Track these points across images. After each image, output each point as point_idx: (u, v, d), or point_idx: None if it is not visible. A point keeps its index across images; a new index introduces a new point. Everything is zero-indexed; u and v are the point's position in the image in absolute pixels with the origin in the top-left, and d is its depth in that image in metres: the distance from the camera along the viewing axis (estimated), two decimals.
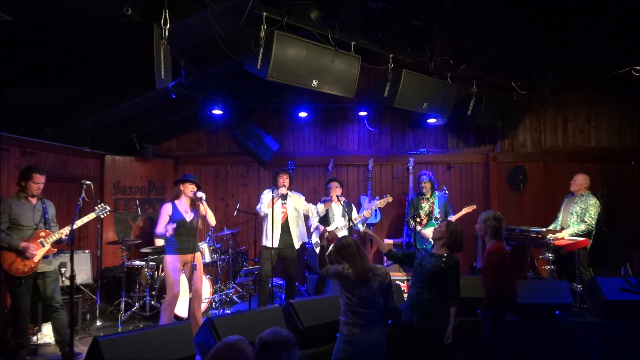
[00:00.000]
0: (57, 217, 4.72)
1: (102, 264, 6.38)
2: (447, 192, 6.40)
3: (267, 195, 5.73)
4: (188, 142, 7.74)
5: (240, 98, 7.00)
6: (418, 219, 6.16)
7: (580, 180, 5.94)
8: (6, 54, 3.23)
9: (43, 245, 4.29)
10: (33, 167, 4.42)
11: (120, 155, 6.96)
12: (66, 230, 4.41)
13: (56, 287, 4.45)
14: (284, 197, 5.66)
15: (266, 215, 5.60)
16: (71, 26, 3.31)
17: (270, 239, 5.54)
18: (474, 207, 6.30)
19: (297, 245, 5.72)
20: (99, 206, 4.68)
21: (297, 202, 5.82)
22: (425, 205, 6.21)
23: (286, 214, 5.69)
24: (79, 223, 4.43)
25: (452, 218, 6.06)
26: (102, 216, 4.70)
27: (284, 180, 5.64)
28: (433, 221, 6.15)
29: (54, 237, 4.36)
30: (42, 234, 4.33)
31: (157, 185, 7.27)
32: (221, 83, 6.28)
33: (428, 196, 6.24)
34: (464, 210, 6.24)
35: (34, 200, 4.39)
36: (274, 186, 5.66)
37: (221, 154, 7.71)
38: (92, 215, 4.59)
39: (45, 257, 4.33)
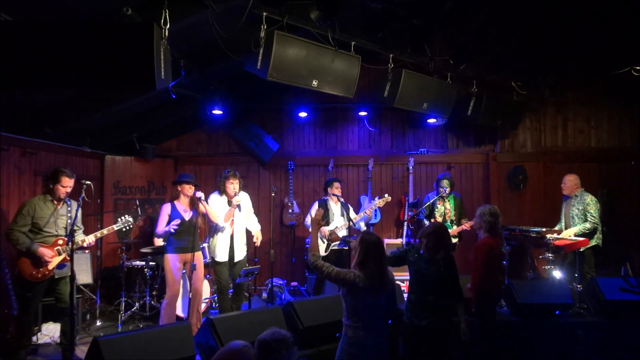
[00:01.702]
0: None
1: (102, 264, 6.38)
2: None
3: (215, 200, 5.19)
4: (188, 142, 7.73)
5: (240, 98, 6.99)
6: (432, 220, 6.14)
7: (569, 182, 5.93)
8: (6, 54, 3.23)
9: (59, 254, 4.24)
10: (62, 169, 4.31)
11: (120, 155, 6.95)
12: (89, 239, 4.38)
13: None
14: (228, 202, 5.12)
15: (218, 227, 5.13)
16: (71, 26, 3.31)
17: (221, 252, 5.15)
18: None
19: (239, 258, 5.24)
20: (122, 218, 4.64)
21: (245, 207, 5.30)
22: (441, 207, 6.16)
23: (233, 222, 5.19)
24: (98, 235, 4.43)
25: (467, 224, 6.01)
26: (124, 229, 4.69)
27: (235, 186, 5.11)
28: (448, 223, 6.12)
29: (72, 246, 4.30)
30: (60, 241, 4.27)
31: (157, 185, 7.27)
32: (221, 83, 6.28)
33: (445, 197, 6.14)
34: None
35: (59, 204, 4.32)
36: (220, 191, 5.20)
37: (221, 154, 7.70)
38: (113, 228, 4.57)
39: (61, 266, 4.27)
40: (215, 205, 5.16)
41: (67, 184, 4.26)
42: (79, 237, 4.45)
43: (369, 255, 3.08)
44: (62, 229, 4.32)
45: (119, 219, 4.65)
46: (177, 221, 4.83)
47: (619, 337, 4.71)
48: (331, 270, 3.10)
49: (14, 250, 4.33)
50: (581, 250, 5.68)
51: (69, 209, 4.36)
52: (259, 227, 5.45)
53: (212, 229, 5.24)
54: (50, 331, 4.94)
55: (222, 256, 5.16)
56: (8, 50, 3.23)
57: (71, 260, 4.00)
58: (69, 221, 4.34)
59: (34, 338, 4.80)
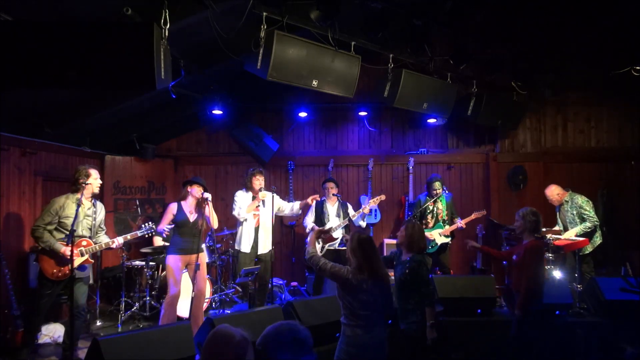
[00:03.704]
0: None
1: (102, 264, 6.38)
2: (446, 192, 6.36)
3: (242, 197, 5.52)
4: (188, 142, 7.74)
5: (240, 98, 7.00)
6: (424, 221, 6.12)
7: (552, 196, 5.93)
8: (6, 54, 3.23)
9: (82, 255, 4.23)
10: (84, 166, 4.35)
11: (120, 155, 6.96)
12: (118, 240, 4.41)
13: (84, 291, 4.40)
14: (263, 203, 5.43)
15: (244, 219, 5.48)
16: (71, 26, 3.30)
17: (246, 244, 5.45)
18: (484, 212, 6.17)
19: (263, 250, 5.52)
20: (146, 225, 4.66)
21: (269, 203, 5.48)
22: (433, 208, 6.12)
23: (259, 216, 5.50)
24: (120, 240, 4.43)
25: (462, 222, 6.02)
26: (146, 236, 4.71)
27: (261, 182, 5.44)
28: (440, 223, 6.10)
29: (95, 248, 4.31)
30: (84, 242, 4.27)
31: (157, 185, 7.27)
32: (221, 83, 6.27)
33: (437, 198, 6.09)
34: (474, 215, 6.10)
35: (87, 204, 4.30)
36: (247, 188, 5.50)
37: (221, 154, 7.71)
38: (137, 233, 4.59)
39: (81, 268, 4.26)
40: (241, 201, 5.48)
41: (97, 175, 4.31)
42: (104, 238, 4.46)
43: (365, 253, 3.17)
44: (86, 230, 4.31)
45: (143, 225, 4.66)
46: (170, 226, 4.89)
47: (619, 337, 4.71)
48: (325, 264, 3.23)
49: (15, 250, 4.34)
50: (586, 252, 5.68)
51: (94, 209, 4.35)
52: (297, 205, 5.68)
53: (238, 222, 5.57)
54: (50, 331, 4.94)
55: (246, 247, 5.44)
56: (8, 50, 3.22)
57: (71, 260, 4.00)
58: (93, 222, 4.33)
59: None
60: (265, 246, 5.53)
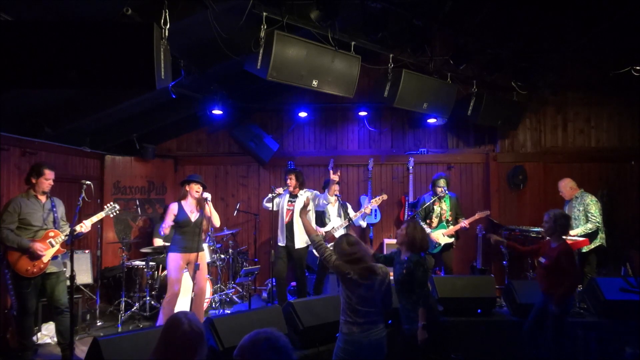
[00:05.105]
0: None
1: (102, 264, 6.39)
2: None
3: (283, 195, 5.88)
4: (188, 142, 7.74)
5: (240, 98, 6.99)
6: (428, 221, 6.10)
7: (564, 188, 5.95)
8: (6, 54, 3.23)
9: (52, 246, 4.26)
10: (43, 163, 4.41)
11: (120, 155, 6.96)
12: (87, 223, 4.44)
13: (64, 288, 4.40)
14: (291, 195, 5.76)
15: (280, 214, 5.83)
16: (71, 26, 3.30)
17: (280, 237, 5.70)
18: (488, 212, 6.12)
19: (299, 245, 5.64)
20: (109, 205, 4.70)
21: (300, 201, 5.77)
22: (437, 208, 6.06)
23: (291, 212, 5.72)
24: (87, 223, 4.44)
25: (466, 222, 5.97)
26: (111, 215, 4.75)
27: (289, 181, 5.77)
28: (444, 223, 6.05)
29: (63, 237, 4.34)
30: (52, 233, 4.30)
31: (157, 185, 7.27)
32: (221, 83, 6.27)
33: (442, 197, 6.03)
34: (477, 215, 6.02)
35: (43, 199, 4.35)
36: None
37: (221, 154, 7.71)
38: (101, 215, 4.62)
39: (54, 257, 4.30)
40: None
41: (50, 176, 4.34)
42: (67, 231, 4.46)
43: (347, 251, 3.19)
44: (50, 223, 4.35)
45: (106, 206, 4.72)
46: (169, 225, 4.92)
47: (619, 337, 4.71)
48: (330, 255, 3.24)
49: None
50: (584, 251, 5.69)
51: (52, 204, 4.41)
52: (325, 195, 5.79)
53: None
54: (50, 331, 4.94)
55: (280, 240, 5.77)
56: (8, 50, 3.22)
57: (71, 260, 4.01)
58: (55, 216, 4.38)
59: (34, 338, 4.81)
60: (302, 241, 5.65)
